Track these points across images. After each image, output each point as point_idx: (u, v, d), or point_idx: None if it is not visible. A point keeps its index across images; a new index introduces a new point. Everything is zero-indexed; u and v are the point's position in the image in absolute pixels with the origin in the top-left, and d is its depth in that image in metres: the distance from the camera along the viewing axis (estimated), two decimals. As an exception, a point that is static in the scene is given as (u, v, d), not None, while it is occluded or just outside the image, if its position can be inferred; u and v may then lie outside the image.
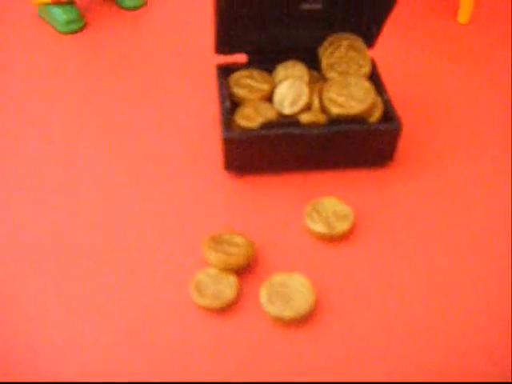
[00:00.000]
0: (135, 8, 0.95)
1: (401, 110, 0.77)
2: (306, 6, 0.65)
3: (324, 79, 0.70)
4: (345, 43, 0.70)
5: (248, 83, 0.69)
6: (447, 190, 0.67)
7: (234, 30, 0.69)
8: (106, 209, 0.64)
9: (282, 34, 0.70)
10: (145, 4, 0.96)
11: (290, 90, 0.66)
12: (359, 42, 0.70)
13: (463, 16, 0.93)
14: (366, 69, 0.70)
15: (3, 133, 0.73)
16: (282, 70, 0.69)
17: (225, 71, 0.71)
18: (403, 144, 0.72)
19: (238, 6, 0.65)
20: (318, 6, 0.65)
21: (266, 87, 0.68)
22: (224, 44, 0.69)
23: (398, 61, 0.84)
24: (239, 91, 0.68)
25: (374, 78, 0.71)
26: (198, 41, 0.87)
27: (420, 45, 0.88)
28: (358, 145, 0.66)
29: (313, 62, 0.73)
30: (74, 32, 0.90)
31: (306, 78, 0.68)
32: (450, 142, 0.73)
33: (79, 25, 0.90)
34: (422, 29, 0.92)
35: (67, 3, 0.90)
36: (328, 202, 0.64)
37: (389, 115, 0.67)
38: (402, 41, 0.89)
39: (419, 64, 0.84)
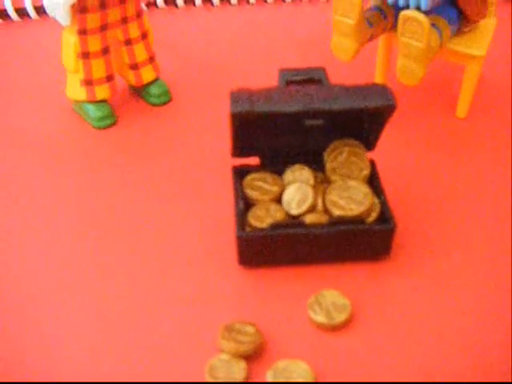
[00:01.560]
0: (161, 104, 1.05)
1: (399, 207, 0.85)
2: (308, 122, 0.74)
3: (328, 181, 0.79)
4: (346, 149, 0.79)
5: (260, 185, 0.78)
6: (442, 283, 0.74)
7: (247, 140, 0.78)
8: (127, 299, 0.73)
9: (290, 142, 0.80)
10: (170, 100, 1.06)
11: (297, 193, 0.75)
12: (359, 148, 0.79)
13: (461, 110, 0.99)
14: (366, 172, 0.78)
15: (36, 220, 0.82)
16: (290, 174, 0.78)
17: (240, 173, 0.80)
18: (400, 239, 0.80)
19: (249, 124, 0.75)
20: (319, 122, 0.75)
21: (275, 189, 0.77)
22: (238, 151, 0.78)
23: (396, 158, 0.92)
24: (252, 193, 0.77)
25: (373, 179, 0.80)
26: (218, 138, 0.97)
27: (418, 140, 0.95)
28: (357, 242, 0.74)
29: (319, 164, 0.82)
30: (107, 127, 1.00)
31: (312, 182, 0.77)
32: (447, 236, 0.80)
33: (111, 121, 1.00)
34: (419, 124, 0.99)
35: (100, 101, 1.00)
36: (328, 293, 0.71)
37: (385, 216, 0.75)
38: (401, 137, 0.96)
39: (417, 160, 0.92)
